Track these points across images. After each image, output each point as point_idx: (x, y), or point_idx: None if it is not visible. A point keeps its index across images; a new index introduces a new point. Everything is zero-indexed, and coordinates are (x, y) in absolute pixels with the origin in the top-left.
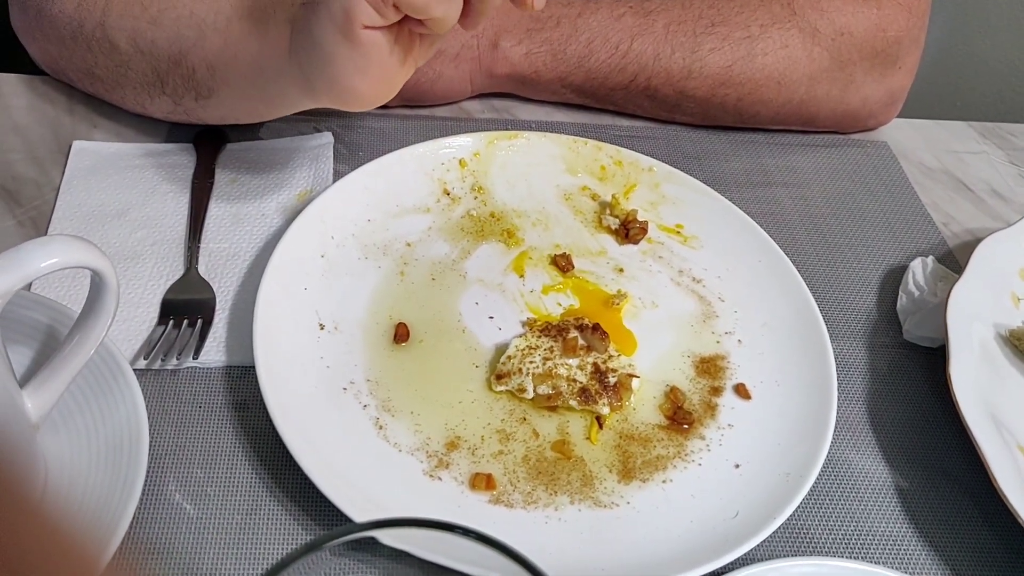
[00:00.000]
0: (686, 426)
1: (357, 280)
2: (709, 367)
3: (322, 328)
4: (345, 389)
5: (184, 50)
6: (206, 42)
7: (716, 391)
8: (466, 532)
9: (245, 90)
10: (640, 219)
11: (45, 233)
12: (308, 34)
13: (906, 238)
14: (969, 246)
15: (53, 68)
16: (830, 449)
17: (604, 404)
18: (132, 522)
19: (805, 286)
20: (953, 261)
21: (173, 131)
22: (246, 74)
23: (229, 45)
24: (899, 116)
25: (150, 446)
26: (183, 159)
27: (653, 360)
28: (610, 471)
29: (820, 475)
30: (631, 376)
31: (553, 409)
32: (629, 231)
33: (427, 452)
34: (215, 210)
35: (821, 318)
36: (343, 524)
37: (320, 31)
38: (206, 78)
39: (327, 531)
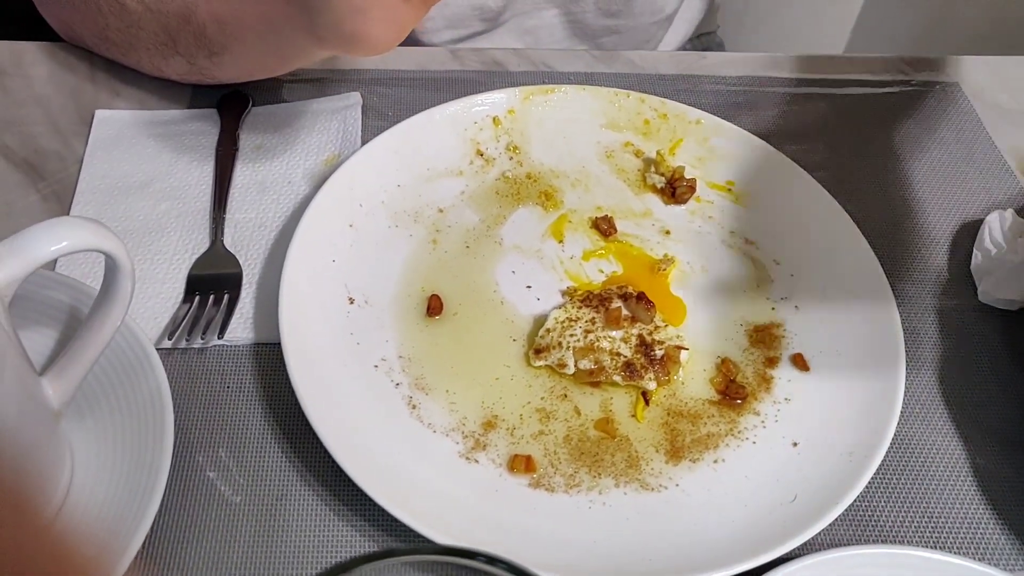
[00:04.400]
0: (739, 401)
1: (387, 250)
2: (764, 336)
3: (351, 302)
4: (376, 367)
5: (192, 5)
6: None
7: (771, 362)
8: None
9: (256, 43)
10: (687, 176)
11: (69, 208)
12: None
13: (981, 189)
14: None
15: (68, 34)
16: (898, 425)
17: (650, 379)
18: (161, 506)
19: (868, 246)
20: None
21: (196, 96)
22: (255, 26)
23: None
24: (971, 53)
25: (178, 428)
26: (207, 125)
27: (703, 330)
28: (657, 451)
29: (887, 454)
30: (679, 348)
31: (596, 385)
32: (676, 190)
33: (463, 433)
34: (240, 178)
35: (886, 280)
36: (374, 508)
37: None
38: (216, 34)
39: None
